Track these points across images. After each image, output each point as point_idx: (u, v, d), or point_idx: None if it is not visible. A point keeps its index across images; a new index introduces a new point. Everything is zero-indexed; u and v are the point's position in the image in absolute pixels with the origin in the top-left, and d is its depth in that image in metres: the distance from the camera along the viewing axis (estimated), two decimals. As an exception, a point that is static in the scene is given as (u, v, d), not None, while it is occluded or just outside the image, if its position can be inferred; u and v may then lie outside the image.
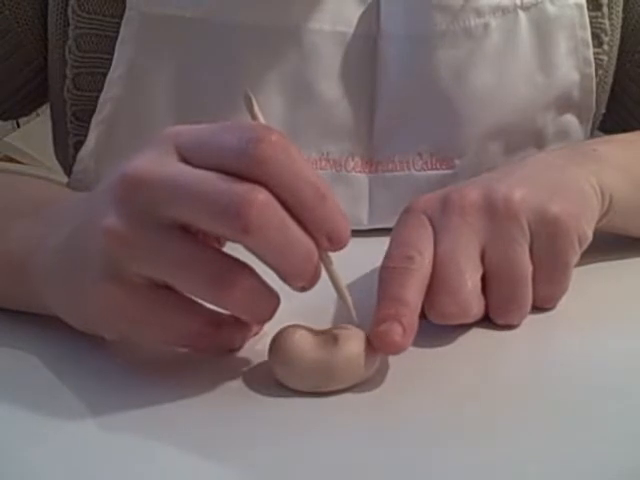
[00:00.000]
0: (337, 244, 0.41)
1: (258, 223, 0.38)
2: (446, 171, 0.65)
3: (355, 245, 0.43)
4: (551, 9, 0.64)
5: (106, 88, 0.63)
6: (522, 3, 0.64)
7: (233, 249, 0.41)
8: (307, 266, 0.41)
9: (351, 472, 0.38)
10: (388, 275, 0.46)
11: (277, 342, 0.43)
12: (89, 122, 0.64)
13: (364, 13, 0.63)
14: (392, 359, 0.45)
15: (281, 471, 0.38)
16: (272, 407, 0.42)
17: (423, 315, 0.47)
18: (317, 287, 0.42)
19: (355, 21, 0.63)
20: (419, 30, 0.63)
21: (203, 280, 0.40)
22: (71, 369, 0.46)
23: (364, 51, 0.63)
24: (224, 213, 0.38)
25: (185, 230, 0.40)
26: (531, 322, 0.49)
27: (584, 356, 0.47)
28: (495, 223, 0.48)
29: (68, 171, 0.69)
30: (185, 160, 0.41)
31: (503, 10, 0.63)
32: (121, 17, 0.61)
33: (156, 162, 0.40)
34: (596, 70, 0.67)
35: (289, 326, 0.44)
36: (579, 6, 0.65)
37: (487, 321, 0.49)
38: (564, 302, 0.51)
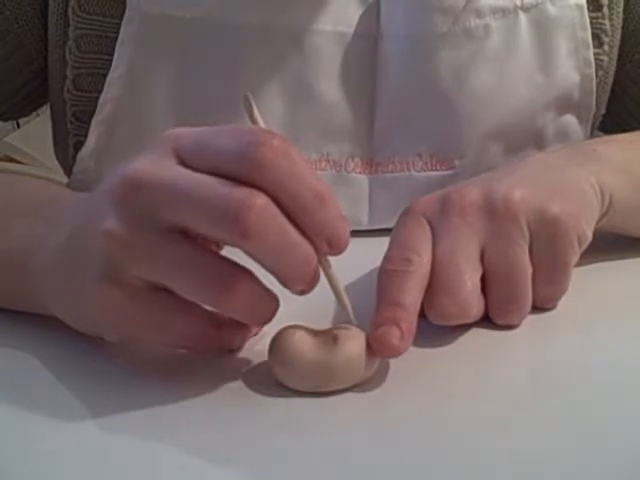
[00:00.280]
0: (337, 248, 0.41)
1: (257, 228, 0.38)
2: (446, 172, 0.65)
3: (355, 245, 0.43)
4: (551, 10, 0.64)
5: (106, 89, 0.63)
6: (522, 4, 0.64)
7: (232, 253, 0.40)
8: (306, 270, 0.41)
9: (351, 472, 0.38)
10: (387, 278, 0.46)
11: (277, 342, 0.43)
12: (89, 123, 0.64)
13: (364, 13, 0.63)
14: (392, 359, 0.45)
15: (281, 471, 0.38)
16: (272, 407, 0.42)
17: (423, 315, 0.47)
18: (317, 288, 0.42)
19: (355, 21, 0.63)
20: (419, 31, 0.63)
21: (202, 284, 0.40)
22: (71, 370, 0.46)
23: (364, 52, 0.63)
24: (223, 218, 0.38)
25: (184, 234, 0.40)
26: (531, 322, 0.49)
27: (584, 356, 0.47)
28: (495, 223, 0.48)
29: (68, 171, 0.69)
30: (184, 163, 0.40)
31: (503, 11, 0.63)
32: (121, 18, 0.61)
33: (156, 165, 0.40)
34: (596, 71, 0.67)
35: (289, 326, 0.44)
36: (579, 7, 0.65)
37: (487, 321, 0.49)
38: (564, 302, 0.51)
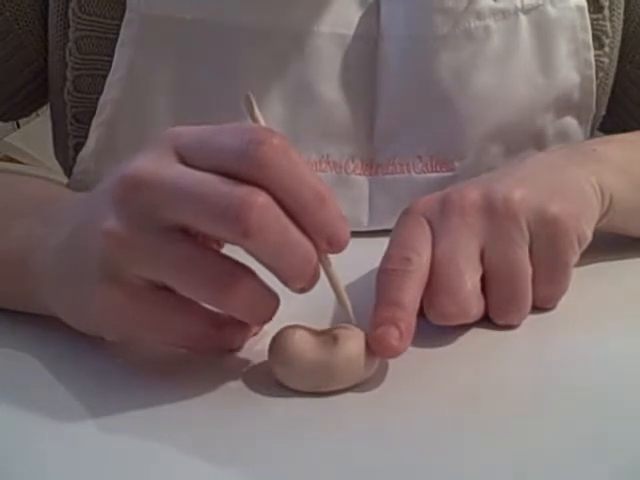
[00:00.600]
0: (337, 247, 0.41)
1: (258, 226, 0.38)
2: (446, 173, 0.65)
3: (355, 245, 0.43)
4: (552, 11, 0.65)
5: (106, 90, 0.63)
6: (523, 6, 0.64)
7: (232, 251, 0.41)
8: (306, 268, 0.41)
9: (351, 472, 0.38)
10: (386, 277, 0.46)
11: (277, 342, 0.43)
12: (89, 124, 0.64)
13: (364, 15, 0.63)
14: (392, 359, 0.45)
15: (281, 471, 0.38)
16: (272, 407, 0.42)
17: (423, 315, 0.47)
18: (317, 287, 0.42)
19: (355, 23, 0.63)
20: (419, 32, 0.63)
21: (203, 283, 0.40)
22: (71, 370, 0.46)
23: (364, 53, 0.63)
24: (224, 216, 0.38)
25: (185, 232, 0.40)
26: (531, 322, 0.49)
27: (584, 356, 0.47)
28: (495, 223, 0.48)
29: (68, 172, 0.69)
30: (185, 162, 0.40)
31: (504, 13, 0.63)
32: (121, 19, 0.61)
33: (156, 164, 0.40)
34: (597, 72, 0.67)
35: (289, 326, 0.44)
36: (580, 8, 0.65)
37: (487, 321, 0.49)
38: (564, 302, 0.51)
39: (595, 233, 0.51)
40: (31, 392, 0.44)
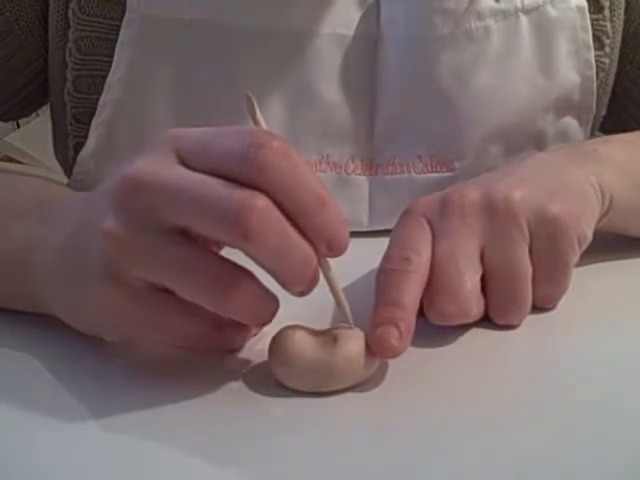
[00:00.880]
0: (336, 251, 0.41)
1: (258, 229, 0.38)
2: (446, 174, 0.65)
3: (354, 246, 0.43)
4: (552, 12, 0.64)
5: (106, 90, 0.63)
6: (523, 6, 0.64)
7: (231, 253, 0.40)
8: (306, 272, 0.41)
9: (351, 472, 0.38)
10: (385, 277, 0.46)
11: (277, 342, 0.43)
12: (89, 124, 0.64)
13: (364, 15, 0.63)
14: (392, 359, 0.45)
15: (281, 471, 0.38)
16: (272, 407, 0.42)
17: (423, 315, 0.47)
18: (317, 288, 0.42)
19: (355, 23, 0.63)
20: (419, 32, 0.63)
21: (203, 285, 0.40)
22: (71, 370, 0.46)
23: (364, 53, 0.63)
24: (224, 219, 0.38)
25: (185, 234, 0.40)
26: (531, 322, 0.49)
27: (584, 356, 0.47)
28: (495, 224, 0.48)
29: (68, 172, 0.69)
30: (185, 164, 0.40)
31: (504, 13, 0.63)
32: (121, 20, 0.61)
33: (156, 165, 0.40)
34: (597, 72, 0.67)
35: (289, 326, 0.43)
36: (580, 9, 0.65)
37: (487, 321, 0.49)
38: (564, 302, 0.51)
39: (595, 233, 0.51)
40: (31, 392, 0.44)
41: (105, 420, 0.41)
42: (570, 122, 0.68)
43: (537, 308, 0.50)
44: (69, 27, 0.62)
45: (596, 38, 0.67)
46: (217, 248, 0.43)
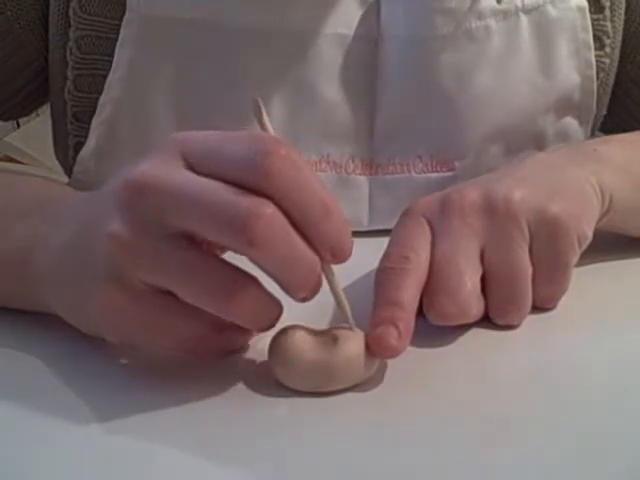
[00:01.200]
0: (340, 258, 0.41)
1: (264, 237, 0.38)
2: (446, 173, 0.65)
3: (354, 245, 0.42)
4: (553, 12, 0.64)
5: (106, 90, 0.63)
6: (523, 6, 0.64)
7: (234, 258, 0.40)
8: (309, 279, 0.41)
9: (351, 472, 0.38)
10: (384, 276, 0.46)
11: (277, 342, 0.43)
12: (89, 123, 0.64)
13: (364, 15, 0.63)
14: (392, 359, 0.45)
15: (281, 471, 0.38)
16: (272, 407, 0.42)
17: (423, 315, 0.47)
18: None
19: (355, 23, 0.63)
20: (419, 32, 0.62)
21: (207, 290, 0.40)
22: (73, 370, 0.46)
23: (364, 53, 0.63)
24: (231, 226, 0.38)
25: (190, 239, 0.40)
26: (531, 322, 0.49)
27: (584, 356, 0.47)
28: (495, 224, 0.48)
29: (68, 171, 0.69)
30: (191, 168, 0.40)
31: (504, 13, 0.63)
32: (121, 19, 0.61)
33: (162, 169, 0.40)
34: (597, 72, 0.67)
35: (289, 326, 0.43)
36: (581, 9, 0.65)
37: (487, 321, 0.49)
38: (564, 302, 0.51)
39: (595, 233, 0.51)
40: (32, 392, 0.44)
41: (106, 420, 0.41)
42: (570, 122, 0.68)
43: (537, 308, 0.50)
44: (70, 26, 0.62)
45: (596, 38, 0.67)
46: (220, 252, 0.43)
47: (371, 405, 0.43)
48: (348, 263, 0.44)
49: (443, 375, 0.45)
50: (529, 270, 0.48)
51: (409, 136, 0.65)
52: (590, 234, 0.50)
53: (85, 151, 0.65)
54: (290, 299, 0.42)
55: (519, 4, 0.64)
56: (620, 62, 0.69)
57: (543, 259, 0.48)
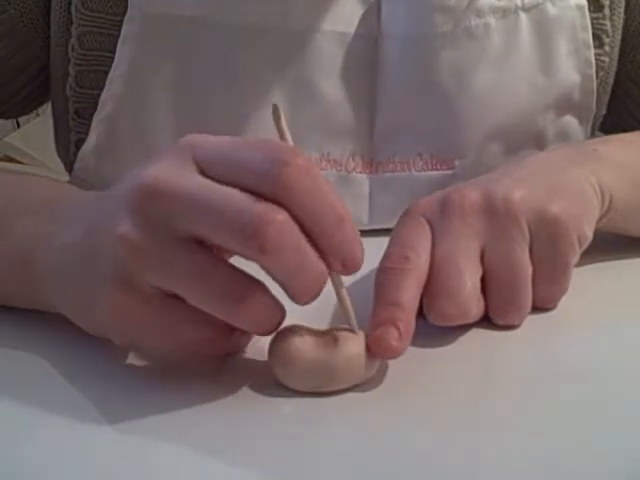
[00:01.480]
0: (350, 269, 0.42)
1: (275, 244, 0.38)
2: (446, 172, 0.65)
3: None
4: (552, 10, 0.64)
5: (107, 86, 0.63)
6: (523, 4, 0.64)
7: (239, 260, 0.40)
8: (316, 288, 0.41)
9: (351, 472, 0.38)
10: (384, 276, 0.46)
11: (277, 342, 0.43)
12: (90, 120, 0.64)
13: (365, 13, 0.63)
14: (392, 359, 0.45)
15: (281, 471, 0.38)
16: (272, 407, 0.42)
17: (423, 315, 0.47)
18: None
19: (356, 22, 0.63)
20: (420, 30, 0.62)
21: (216, 295, 0.40)
22: (77, 370, 0.46)
23: (365, 51, 0.63)
24: (242, 232, 0.38)
25: (200, 243, 0.40)
26: (531, 322, 0.49)
27: (584, 356, 0.47)
28: (495, 224, 0.48)
29: (69, 168, 0.69)
30: (204, 173, 0.40)
31: (504, 11, 0.63)
32: (123, 15, 0.61)
33: (174, 173, 0.40)
34: (597, 71, 0.67)
35: (289, 327, 0.43)
36: (580, 7, 0.65)
37: (487, 321, 0.49)
38: (564, 302, 0.51)
39: (595, 233, 0.51)
40: (37, 392, 0.44)
41: (107, 420, 0.41)
42: (570, 121, 0.68)
43: (537, 308, 0.50)
44: (72, 23, 0.62)
45: (596, 37, 0.67)
46: (228, 255, 0.42)
47: (371, 405, 0.43)
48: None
49: (443, 375, 0.45)
50: (529, 270, 0.48)
51: (409, 134, 0.65)
52: (590, 234, 0.50)
53: (86, 148, 0.65)
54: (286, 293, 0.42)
55: (519, 2, 0.63)
56: (620, 61, 0.69)
57: (543, 259, 0.48)
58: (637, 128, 0.65)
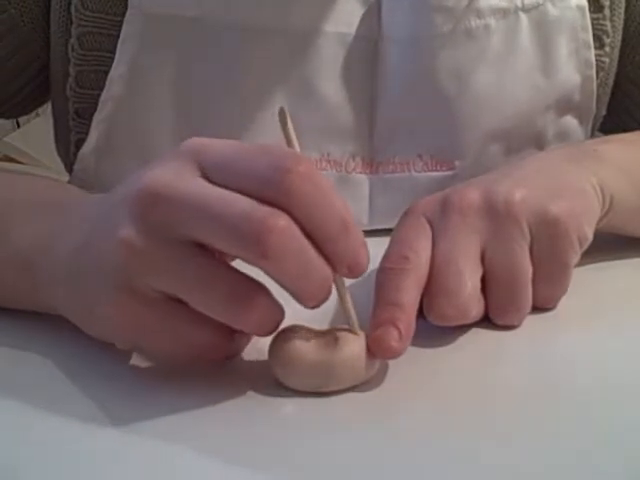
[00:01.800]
0: (356, 273, 0.42)
1: (277, 250, 0.38)
2: (446, 172, 0.65)
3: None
4: (552, 11, 0.64)
5: (107, 86, 0.63)
6: (523, 5, 0.64)
7: (240, 262, 0.40)
8: (322, 291, 0.41)
9: (351, 472, 0.38)
10: (384, 277, 0.46)
11: (277, 342, 0.43)
12: (90, 120, 0.64)
13: (365, 14, 0.63)
14: (392, 359, 0.45)
15: (281, 471, 0.38)
16: (272, 407, 0.42)
17: (423, 315, 0.47)
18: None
19: (356, 22, 0.63)
20: (420, 31, 0.62)
21: (218, 299, 0.40)
22: (78, 370, 0.45)
23: (365, 52, 0.63)
24: (243, 239, 0.38)
25: (202, 247, 0.40)
26: (531, 322, 0.49)
27: (584, 356, 0.47)
28: (495, 224, 0.48)
29: (69, 168, 0.69)
30: (206, 177, 0.40)
31: (504, 12, 0.63)
32: (123, 15, 0.61)
33: (176, 177, 0.40)
34: (597, 72, 0.67)
35: (290, 327, 0.43)
36: (580, 8, 0.65)
37: (487, 321, 0.49)
38: (564, 302, 0.51)
39: (595, 233, 0.51)
40: (41, 393, 0.44)
41: (110, 420, 0.41)
42: (570, 122, 0.68)
43: (537, 308, 0.50)
44: (71, 23, 0.62)
45: (596, 37, 0.67)
46: (230, 258, 0.42)
47: (371, 405, 0.43)
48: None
49: (443, 375, 0.45)
50: (529, 271, 0.48)
51: (409, 135, 0.65)
52: (590, 235, 0.50)
53: (86, 148, 0.65)
54: (291, 299, 0.42)
55: (519, 3, 0.63)
56: (620, 62, 0.69)
57: (543, 260, 0.48)
58: (637, 128, 0.65)
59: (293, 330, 0.43)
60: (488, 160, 0.65)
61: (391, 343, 0.43)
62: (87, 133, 0.65)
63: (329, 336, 0.43)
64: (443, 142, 0.65)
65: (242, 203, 0.39)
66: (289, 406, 0.43)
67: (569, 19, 0.65)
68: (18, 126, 1.72)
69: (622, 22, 0.68)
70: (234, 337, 0.42)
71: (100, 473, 0.38)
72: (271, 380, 0.43)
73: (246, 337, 0.44)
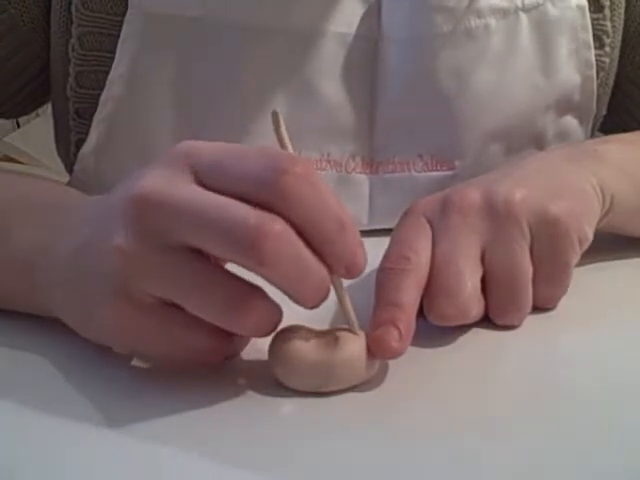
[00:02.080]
0: (353, 274, 0.41)
1: (273, 256, 0.38)
2: (446, 172, 0.65)
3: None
4: (552, 11, 0.64)
5: (107, 87, 0.63)
6: (523, 5, 0.64)
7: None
8: (319, 294, 0.41)
9: (351, 472, 0.38)
10: (384, 277, 0.46)
11: (277, 342, 0.43)
12: (91, 120, 0.64)
13: (365, 14, 0.63)
14: (392, 359, 0.45)
15: (281, 471, 0.38)
16: (272, 407, 0.42)
17: (423, 315, 0.47)
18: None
19: (357, 22, 0.63)
20: (420, 31, 0.62)
21: (215, 304, 0.40)
22: (77, 371, 0.45)
23: (365, 52, 0.63)
24: (238, 245, 0.38)
25: (197, 252, 0.40)
26: (531, 322, 0.49)
27: (584, 356, 0.47)
28: (496, 224, 0.48)
29: (69, 168, 0.69)
30: (200, 181, 0.40)
31: (504, 12, 0.63)
32: (123, 16, 0.61)
33: (168, 182, 0.40)
34: (597, 72, 0.67)
35: (289, 327, 0.43)
36: (581, 8, 0.65)
37: (487, 321, 0.49)
38: (564, 302, 0.51)
39: (595, 233, 0.51)
40: (36, 393, 0.44)
41: (109, 420, 0.41)
42: (570, 122, 0.68)
43: (537, 308, 0.50)
44: (72, 23, 0.62)
45: (596, 37, 0.67)
46: (224, 262, 0.42)
47: (371, 405, 0.43)
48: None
49: (443, 375, 0.45)
50: (529, 271, 0.48)
51: (409, 135, 0.65)
52: (591, 235, 0.50)
53: (86, 148, 0.65)
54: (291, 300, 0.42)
55: (519, 3, 0.63)
56: (620, 62, 0.69)
57: (543, 260, 0.48)
58: (637, 128, 0.65)
59: (293, 330, 0.43)
60: (488, 160, 0.65)
61: (391, 343, 0.43)
62: (87, 133, 0.65)
63: (329, 336, 0.43)
64: (443, 142, 0.65)
65: (236, 208, 0.38)
66: (289, 406, 0.43)
67: (569, 19, 0.65)
68: (18, 126, 1.72)
69: (622, 22, 0.68)
70: (232, 339, 0.42)
71: (99, 474, 0.38)
72: (271, 380, 0.43)
73: (245, 338, 0.44)
